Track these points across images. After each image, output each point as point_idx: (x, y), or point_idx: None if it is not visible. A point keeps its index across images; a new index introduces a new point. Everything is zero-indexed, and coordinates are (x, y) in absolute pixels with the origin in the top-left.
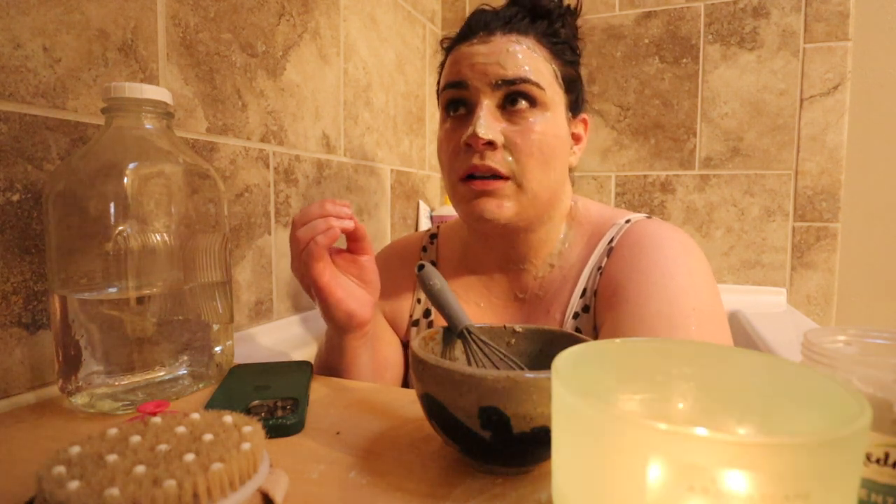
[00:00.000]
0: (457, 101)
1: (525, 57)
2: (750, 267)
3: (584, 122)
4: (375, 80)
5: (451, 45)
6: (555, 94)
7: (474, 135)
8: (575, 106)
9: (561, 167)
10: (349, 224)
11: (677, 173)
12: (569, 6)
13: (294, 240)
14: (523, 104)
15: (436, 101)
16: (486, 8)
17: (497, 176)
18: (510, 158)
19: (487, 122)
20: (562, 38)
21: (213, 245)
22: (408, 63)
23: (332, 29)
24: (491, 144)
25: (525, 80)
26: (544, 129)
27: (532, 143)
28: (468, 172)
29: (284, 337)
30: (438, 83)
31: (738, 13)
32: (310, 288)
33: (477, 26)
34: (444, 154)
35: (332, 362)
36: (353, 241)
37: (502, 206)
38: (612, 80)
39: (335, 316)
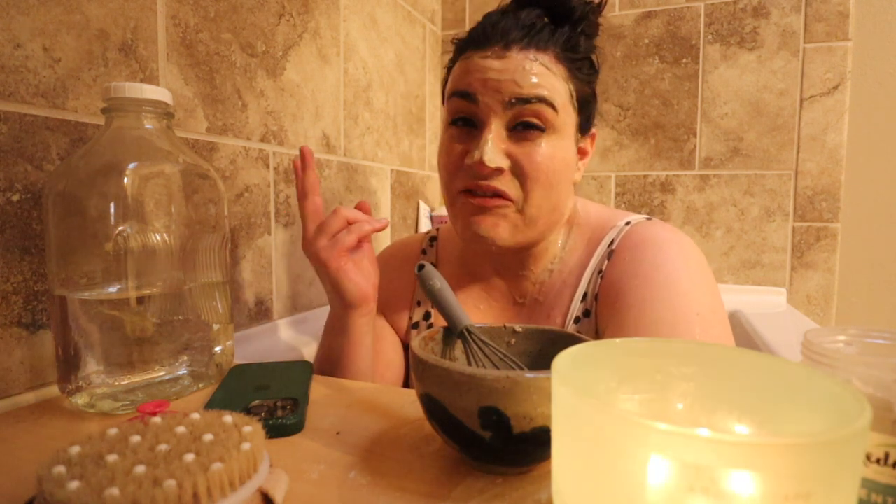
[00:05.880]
0: (464, 113)
1: (541, 77)
2: (750, 267)
3: (593, 136)
4: (375, 80)
5: (462, 48)
6: (567, 117)
7: (480, 162)
8: (585, 126)
9: (565, 188)
10: (382, 225)
11: (677, 173)
12: (592, 2)
13: (328, 224)
14: (533, 130)
15: (436, 101)
16: (505, 10)
17: (499, 195)
18: (516, 183)
19: (494, 148)
20: (581, 53)
21: (213, 245)
22: (408, 63)
23: (332, 29)
24: (497, 170)
25: (541, 99)
26: (552, 154)
27: (538, 168)
28: (469, 188)
29: (284, 337)
30: (445, 81)
31: (738, 13)
32: (321, 266)
33: (494, 35)
34: (445, 166)
35: (334, 347)
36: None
37: (498, 226)
38: (612, 80)
39: (346, 287)
